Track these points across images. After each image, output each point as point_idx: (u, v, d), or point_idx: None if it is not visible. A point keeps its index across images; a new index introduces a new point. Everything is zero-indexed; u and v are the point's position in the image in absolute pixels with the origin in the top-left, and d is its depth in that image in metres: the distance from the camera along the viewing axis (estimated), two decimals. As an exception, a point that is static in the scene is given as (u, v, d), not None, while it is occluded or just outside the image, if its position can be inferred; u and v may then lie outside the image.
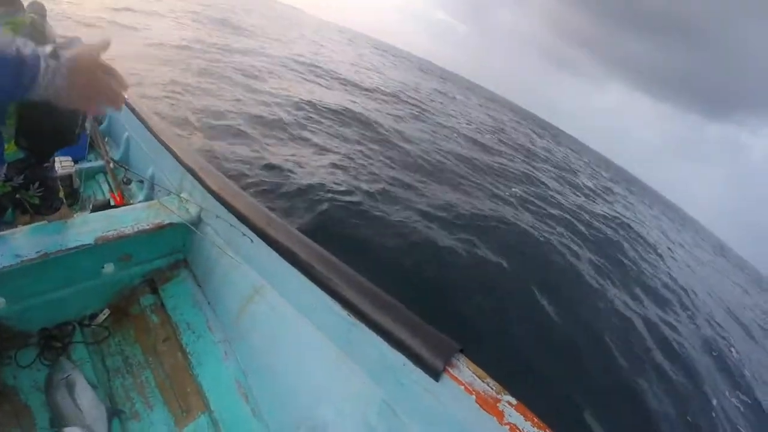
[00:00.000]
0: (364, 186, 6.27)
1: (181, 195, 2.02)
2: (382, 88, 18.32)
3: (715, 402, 5.70)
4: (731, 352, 8.48)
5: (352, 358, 1.33)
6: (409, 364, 1.13)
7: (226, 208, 1.76)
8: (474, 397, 1.00)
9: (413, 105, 16.89)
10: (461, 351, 1.09)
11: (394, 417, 1.18)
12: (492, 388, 1.01)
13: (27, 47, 0.59)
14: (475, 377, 1.03)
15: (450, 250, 5.45)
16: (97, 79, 0.65)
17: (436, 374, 1.06)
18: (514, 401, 0.97)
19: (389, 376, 1.21)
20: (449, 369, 1.05)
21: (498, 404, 0.97)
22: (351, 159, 7.38)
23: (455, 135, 14.27)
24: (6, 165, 1.59)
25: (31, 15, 1.53)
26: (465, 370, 1.06)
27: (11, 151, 1.55)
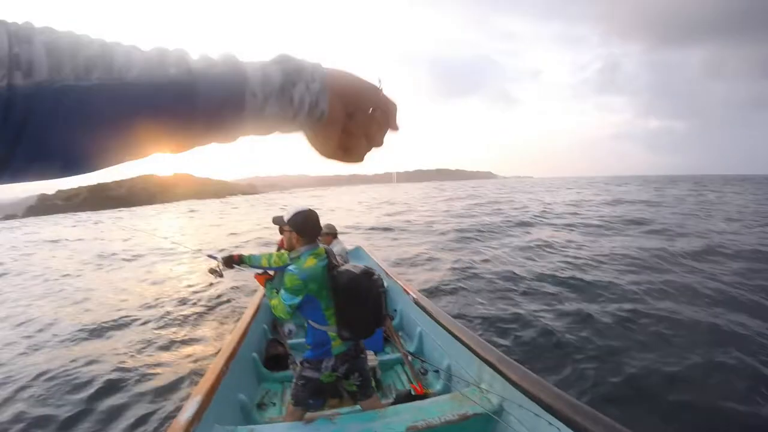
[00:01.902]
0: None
1: (481, 385, 2.15)
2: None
3: None
4: None
5: None
6: None
7: (528, 397, 1.78)
8: None
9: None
10: None
11: None
12: None
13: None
14: None
15: None
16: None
17: None
18: None
19: None
20: None
21: None
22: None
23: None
24: (334, 358, 1.98)
25: (323, 246, 2.06)
26: None
27: (337, 344, 1.98)
